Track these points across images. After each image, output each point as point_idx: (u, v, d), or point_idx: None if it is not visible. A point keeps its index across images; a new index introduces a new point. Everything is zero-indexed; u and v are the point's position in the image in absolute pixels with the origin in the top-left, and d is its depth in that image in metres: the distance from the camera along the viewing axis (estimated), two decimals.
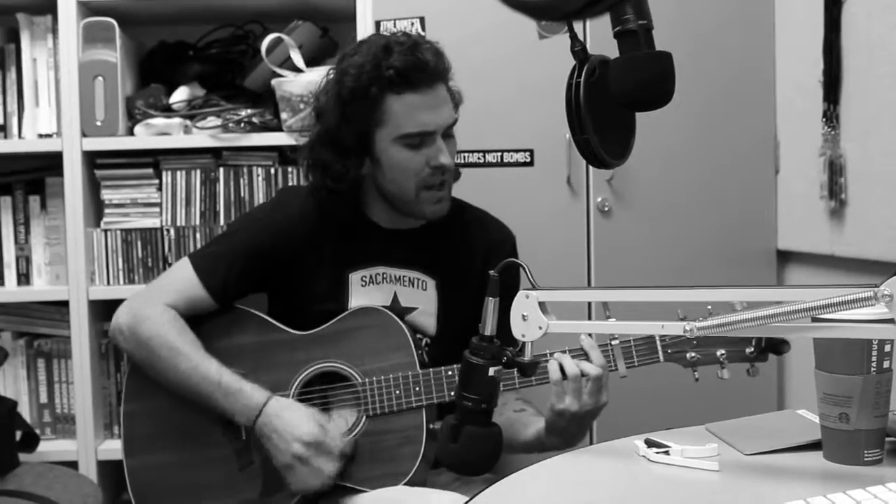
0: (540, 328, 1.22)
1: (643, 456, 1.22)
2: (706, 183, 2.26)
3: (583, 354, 1.62)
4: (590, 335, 1.65)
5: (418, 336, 1.82)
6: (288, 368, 1.76)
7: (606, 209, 2.21)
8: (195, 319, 1.78)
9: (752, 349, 1.52)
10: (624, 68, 1.17)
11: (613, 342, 1.62)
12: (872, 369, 1.14)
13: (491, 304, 1.27)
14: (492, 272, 1.27)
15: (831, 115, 1.99)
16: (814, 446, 1.21)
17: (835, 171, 1.98)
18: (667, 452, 1.20)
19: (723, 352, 1.54)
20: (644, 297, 1.23)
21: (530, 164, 2.21)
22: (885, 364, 1.15)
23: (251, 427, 1.69)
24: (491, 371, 1.26)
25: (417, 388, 1.70)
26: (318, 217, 1.82)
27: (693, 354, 1.56)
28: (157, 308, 1.76)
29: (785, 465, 1.18)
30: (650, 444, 1.24)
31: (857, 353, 1.14)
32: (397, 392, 1.71)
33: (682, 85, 2.17)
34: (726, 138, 2.26)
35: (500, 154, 2.21)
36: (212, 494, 1.76)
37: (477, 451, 1.26)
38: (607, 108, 1.23)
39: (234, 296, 1.82)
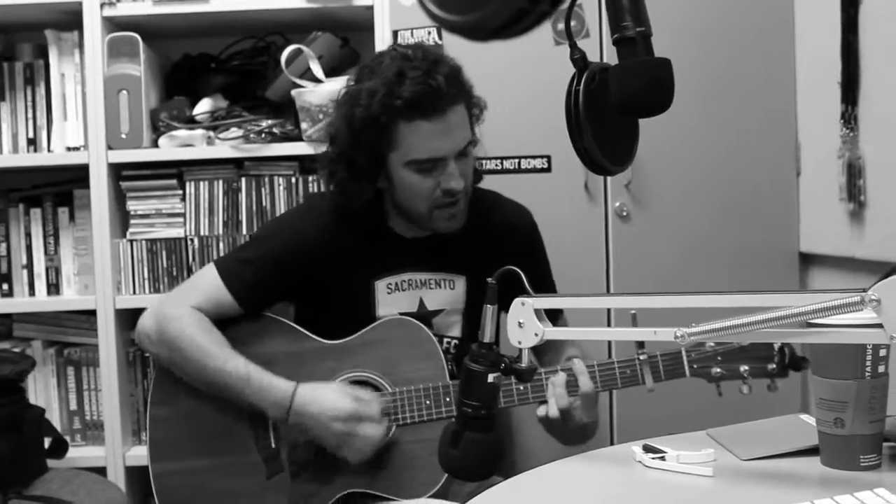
0: (536, 335, 1.23)
1: (639, 461, 1.22)
2: (727, 186, 2.24)
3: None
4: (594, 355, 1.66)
5: (446, 339, 1.84)
6: (318, 377, 1.77)
7: (625, 214, 2.20)
8: (225, 327, 1.80)
9: (775, 366, 1.55)
10: (623, 75, 1.17)
11: (641, 357, 1.63)
12: (867, 374, 1.13)
13: (489, 312, 1.28)
14: (489, 280, 1.28)
15: (849, 117, 1.96)
16: (813, 451, 1.20)
17: (853, 172, 1.96)
18: (663, 458, 1.20)
19: (746, 367, 1.56)
20: (638, 304, 1.24)
21: (548, 170, 2.21)
22: (881, 368, 1.14)
23: (285, 420, 1.71)
24: (490, 378, 1.27)
25: (448, 399, 1.72)
26: (344, 225, 1.83)
27: (718, 370, 1.58)
28: (184, 309, 1.78)
29: (781, 470, 1.17)
30: (648, 449, 1.24)
31: (850, 358, 1.13)
32: (427, 402, 1.73)
33: (701, 88, 2.21)
34: (747, 141, 2.24)
35: (517, 160, 2.22)
36: (239, 502, 1.78)
37: (477, 456, 1.28)
38: (608, 115, 1.24)
39: (259, 302, 1.83)
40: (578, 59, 1.27)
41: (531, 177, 2.21)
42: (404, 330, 1.77)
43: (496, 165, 2.22)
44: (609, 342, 2.13)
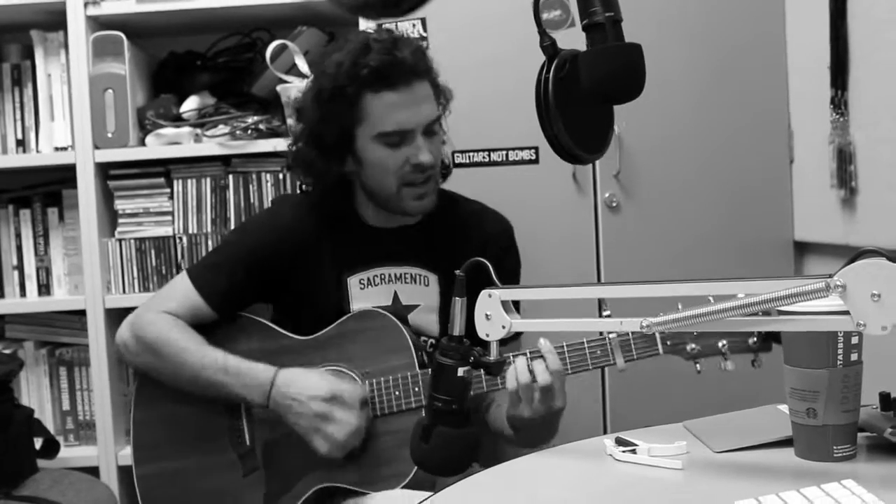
0: (503, 327, 1.21)
1: (610, 455, 1.20)
2: (719, 174, 2.21)
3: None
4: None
5: (423, 338, 1.82)
6: None
7: (614, 205, 2.18)
8: (199, 327, 1.80)
9: (755, 339, 1.49)
10: (592, 61, 1.16)
11: (611, 335, 1.60)
12: (839, 362, 1.10)
13: (458, 304, 1.26)
14: (458, 272, 1.27)
15: (839, 102, 1.93)
16: (789, 443, 1.18)
17: (844, 158, 1.92)
18: (633, 451, 1.18)
19: (724, 342, 1.51)
20: (604, 294, 1.22)
21: (535, 161, 2.18)
22: (853, 356, 1.11)
23: (266, 404, 1.70)
24: (460, 371, 1.26)
25: (416, 389, 1.70)
26: (313, 222, 1.83)
27: (693, 346, 1.53)
28: (156, 314, 1.79)
29: (752, 462, 1.14)
30: (620, 442, 1.22)
31: (821, 346, 1.10)
32: (396, 393, 1.71)
33: (691, 75, 2.18)
34: (738, 128, 2.21)
35: (504, 152, 2.20)
36: (218, 500, 1.79)
37: (448, 451, 1.26)
38: (581, 103, 1.22)
39: (233, 305, 1.84)
40: (548, 45, 1.25)
41: (519, 168, 2.19)
42: (373, 322, 1.76)
43: (483, 158, 2.20)
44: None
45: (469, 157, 2.20)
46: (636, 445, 1.19)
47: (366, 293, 1.82)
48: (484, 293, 1.22)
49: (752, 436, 1.20)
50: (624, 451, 1.19)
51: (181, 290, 1.81)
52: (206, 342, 1.76)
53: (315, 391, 1.67)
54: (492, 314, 1.21)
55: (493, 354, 1.24)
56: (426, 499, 1.15)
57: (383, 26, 2.17)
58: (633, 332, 1.59)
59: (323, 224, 1.82)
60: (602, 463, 1.19)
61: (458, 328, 1.26)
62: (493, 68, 2.18)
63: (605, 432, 2.17)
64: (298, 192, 1.89)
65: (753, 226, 2.22)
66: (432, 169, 1.77)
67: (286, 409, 1.69)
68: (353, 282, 1.82)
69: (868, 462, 1.13)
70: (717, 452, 1.19)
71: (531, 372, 1.55)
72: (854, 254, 0.97)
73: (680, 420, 1.35)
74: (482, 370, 1.25)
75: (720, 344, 1.51)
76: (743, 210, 2.22)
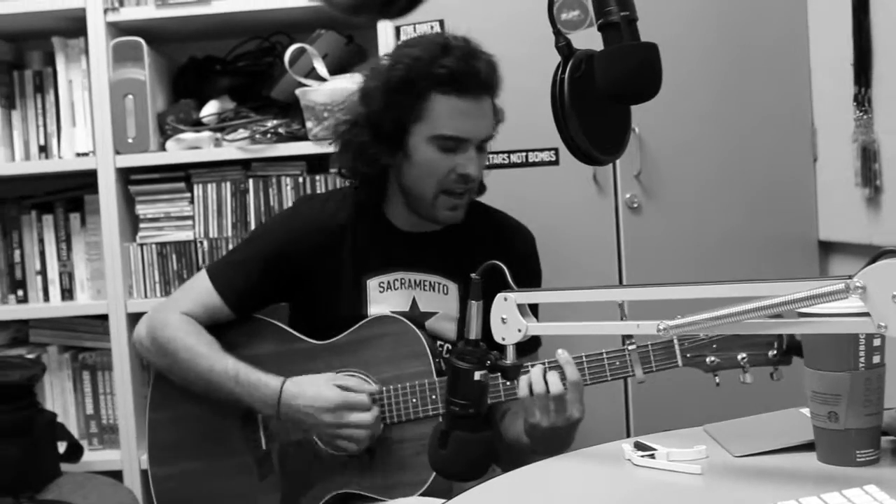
0: (519, 331, 1.20)
1: (628, 459, 1.19)
2: (741, 174, 2.18)
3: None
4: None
5: (438, 343, 1.81)
6: None
7: (635, 205, 2.16)
8: (216, 331, 1.81)
9: (775, 352, 1.48)
10: (608, 61, 1.15)
11: (630, 347, 1.59)
12: (861, 365, 1.08)
13: (474, 308, 1.25)
14: (473, 275, 1.26)
15: (863, 99, 1.90)
16: (811, 447, 1.16)
17: (868, 156, 1.90)
18: (652, 456, 1.17)
19: (744, 355, 1.50)
20: (623, 296, 1.20)
21: (555, 162, 2.17)
22: (875, 359, 1.09)
23: (276, 416, 1.70)
24: (477, 375, 1.25)
25: (434, 396, 1.69)
26: (335, 223, 1.82)
27: (713, 358, 1.52)
28: (174, 314, 1.80)
29: (773, 467, 1.13)
30: (639, 446, 1.20)
31: (843, 349, 1.09)
32: (414, 400, 1.71)
33: (713, 74, 2.15)
34: (761, 127, 2.18)
35: (524, 154, 2.19)
36: (233, 503, 1.78)
37: (466, 456, 1.25)
38: (597, 103, 1.21)
39: (251, 305, 1.83)
40: (563, 46, 1.25)
41: (539, 170, 2.18)
42: (391, 328, 1.75)
43: (503, 159, 2.19)
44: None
45: (488, 158, 2.17)
46: (655, 450, 1.17)
47: (385, 296, 1.81)
48: (500, 296, 1.21)
49: (773, 440, 1.19)
50: (642, 456, 1.17)
51: (199, 289, 1.82)
52: (219, 347, 1.76)
53: (322, 402, 1.67)
54: (508, 317, 1.20)
55: (510, 358, 1.23)
56: (443, 503, 1.14)
57: (400, 31, 2.18)
58: (652, 344, 1.58)
59: (345, 225, 1.82)
60: (620, 467, 1.17)
61: (474, 332, 1.25)
62: (512, 69, 2.15)
63: (627, 436, 2.15)
64: (324, 190, 1.88)
65: (777, 226, 2.19)
66: (473, 182, 1.77)
67: (298, 423, 1.70)
68: (372, 284, 1.81)
69: (893, 466, 1.10)
70: (737, 457, 1.17)
71: (545, 381, 1.55)
72: (874, 254, 0.95)
73: (704, 423, 1.33)
74: (498, 374, 1.24)
75: (740, 357, 1.50)
76: (766, 210, 2.19)
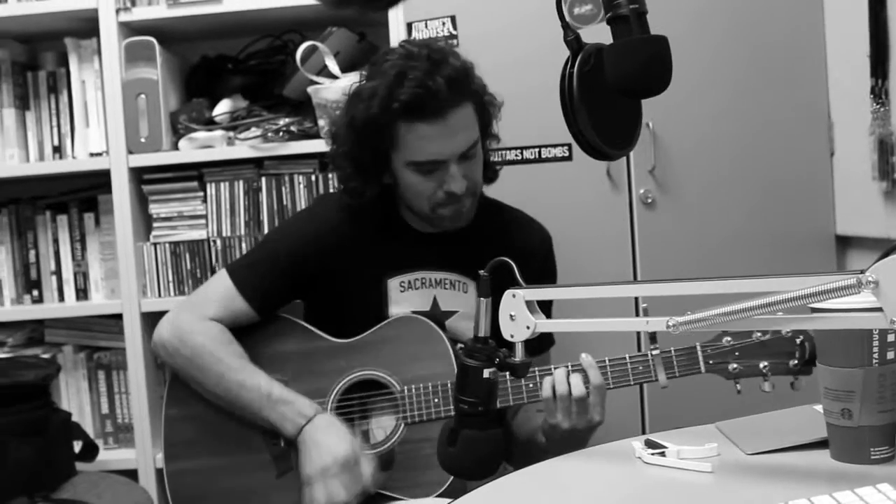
0: (528, 328, 1.19)
1: (639, 457, 1.17)
2: (757, 168, 2.16)
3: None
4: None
5: (459, 345, 1.80)
6: (328, 376, 1.77)
7: (650, 201, 2.14)
8: (238, 330, 1.80)
9: (796, 361, 1.49)
10: (617, 55, 1.14)
11: (654, 352, 1.58)
12: (875, 361, 1.06)
13: (483, 305, 1.24)
14: (482, 272, 1.25)
15: (880, 91, 1.88)
16: (824, 444, 1.14)
17: (885, 150, 1.87)
18: (663, 453, 1.15)
19: (765, 364, 1.51)
20: (633, 292, 1.19)
21: (569, 158, 2.15)
22: (890, 355, 1.07)
23: (295, 436, 1.69)
24: (486, 373, 1.24)
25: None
26: (355, 224, 1.82)
27: (735, 366, 1.53)
28: (202, 322, 1.78)
29: (785, 465, 1.11)
30: (650, 444, 1.19)
31: (856, 345, 1.07)
32: (436, 400, 1.70)
33: (727, 67, 2.13)
34: (777, 121, 2.15)
35: (537, 150, 2.17)
36: (250, 500, 1.78)
37: (475, 455, 1.24)
38: (607, 98, 1.19)
39: (274, 305, 1.83)
40: (572, 40, 1.23)
41: (552, 166, 2.16)
42: (414, 327, 1.75)
43: (516, 156, 2.17)
44: (638, 334, 2.08)
45: (501, 155, 2.17)
46: (665, 448, 1.16)
47: (406, 296, 1.81)
48: (508, 293, 1.20)
49: (786, 437, 1.17)
50: (652, 454, 1.16)
51: (222, 291, 1.81)
52: (247, 359, 1.75)
53: (337, 450, 1.65)
54: (516, 314, 1.19)
55: (519, 356, 1.21)
56: (451, 502, 1.13)
57: (412, 28, 2.16)
58: (675, 349, 1.58)
59: (365, 225, 1.82)
60: (631, 466, 1.16)
61: (483, 329, 1.24)
62: (524, 65, 2.15)
63: (643, 433, 2.14)
64: (337, 191, 1.88)
65: (794, 220, 2.17)
66: (465, 194, 1.75)
67: (306, 447, 1.68)
68: (393, 284, 1.81)
69: None
70: (749, 454, 1.15)
71: (569, 384, 1.54)
72: (888, 247, 0.93)
73: (721, 420, 1.32)
74: (507, 372, 1.23)
75: (761, 365, 1.51)
76: (783, 205, 2.16)
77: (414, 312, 1.79)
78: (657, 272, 2.13)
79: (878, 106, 1.88)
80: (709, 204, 2.16)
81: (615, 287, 1.17)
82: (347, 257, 1.80)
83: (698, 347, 1.55)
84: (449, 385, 1.68)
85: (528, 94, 2.15)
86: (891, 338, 1.07)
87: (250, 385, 1.72)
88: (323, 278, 1.81)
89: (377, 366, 1.75)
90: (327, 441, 1.66)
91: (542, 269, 1.88)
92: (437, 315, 1.80)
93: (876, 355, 1.06)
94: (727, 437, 1.22)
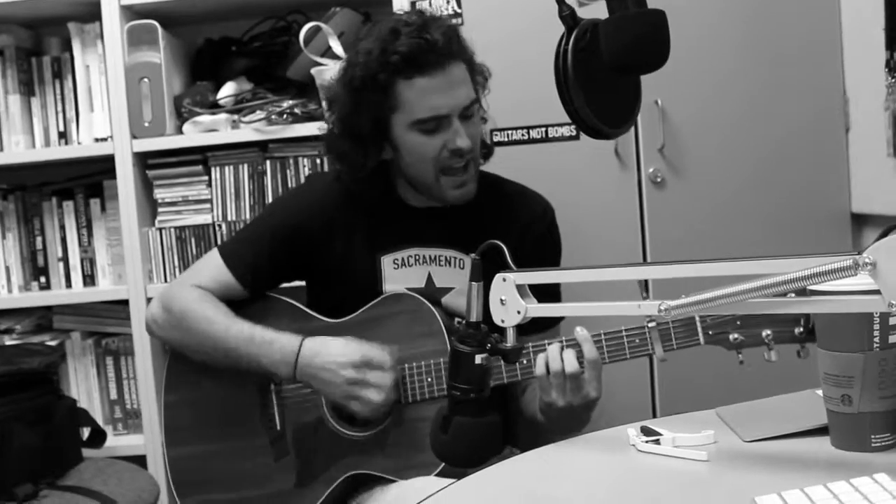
0: (518, 312, 1.15)
1: (633, 445, 1.14)
2: (770, 146, 2.10)
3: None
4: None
5: (457, 321, 1.77)
6: None
7: (659, 180, 2.09)
8: (231, 307, 1.78)
9: (801, 329, 1.40)
10: (612, 30, 1.11)
11: (650, 325, 1.53)
12: (875, 345, 1.02)
13: (474, 289, 1.22)
14: (473, 255, 1.22)
15: (895, 65, 1.82)
16: (825, 431, 1.10)
17: None
18: (657, 441, 1.12)
19: (768, 332, 1.43)
20: (626, 275, 1.15)
21: (576, 137, 2.11)
22: (892, 339, 1.02)
23: (293, 376, 1.68)
24: (478, 359, 1.21)
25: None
26: (346, 200, 1.79)
27: (736, 336, 1.45)
28: (185, 288, 1.79)
29: (783, 452, 1.07)
30: (645, 431, 1.16)
31: (856, 328, 1.02)
32: (429, 379, 1.67)
33: (738, 41, 2.07)
34: (789, 96, 2.10)
35: (544, 129, 2.13)
36: (248, 484, 1.77)
37: (468, 442, 1.22)
38: (604, 75, 1.16)
39: (263, 281, 1.82)
40: (567, 16, 1.21)
41: (559, 145, 2.12)
42: (406, 305, 1.72)
43: (522, 135, 2.14)
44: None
45: (507, 135, 2.14)
46: (660, 435, 1.12)
47: (400, 273, 1.78)
48: (498, 277, 1.17)
49: (786, 424, 1.13)
50: (647, 441, 1.12)
51: (211, 266, 1.80)
52: (233, 314, 1.74)
53: (344, 360, 1.64)
54: (507, 299, 1.16)
55: (510, 341, 1.18)
56: (444, 487, 1.11)
57: (415, 7, 2.13)
58: (672, 322, 1.52)
59: (358, 202, 1.79)
60: (624, 453, 1.13)
61: (474, 314, 1.21)
62: (529, 43, 2.11)
63: (654, 416, 2.10)
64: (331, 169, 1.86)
65: (808, 198, 2.12)
66: (471, 153, 1.71)
67: (315, 380, 1.66)
68: (386, 261, 1.78)
69: None
70: (747, 442, 1.11)
71: (562, 360, 1.50)
72: (886, 227, 0.89)
73: (732, 403, 1.28)
74: (500, 357, 1.20)
75: (764, 334, 1.42)
76: (796, 182, 2.11)
77: (408, 290, 1.76)
78: (667, 252, 2.09)
79: (893, 80, 1.82)
80: (720, 182, 2.11)
81: (607, 270, 1.13)
82: (340, 234, 1.78)
83: (697, 318, 1.48)
84: (442, 363, 1.65)
85: (534, 72, 2.09)
86: (892, 321, 1.02)
87: (234, 332, 1.71)
88: (314, 255, 1.79)
89: None
90: (328, 360, 1.65)
91: (544, 239, 1.84)
92: (433, 292, 1.77)
93: (877, 339, 1.02)
94: (726, 424, 1.19)
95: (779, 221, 2.10)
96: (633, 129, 2.09)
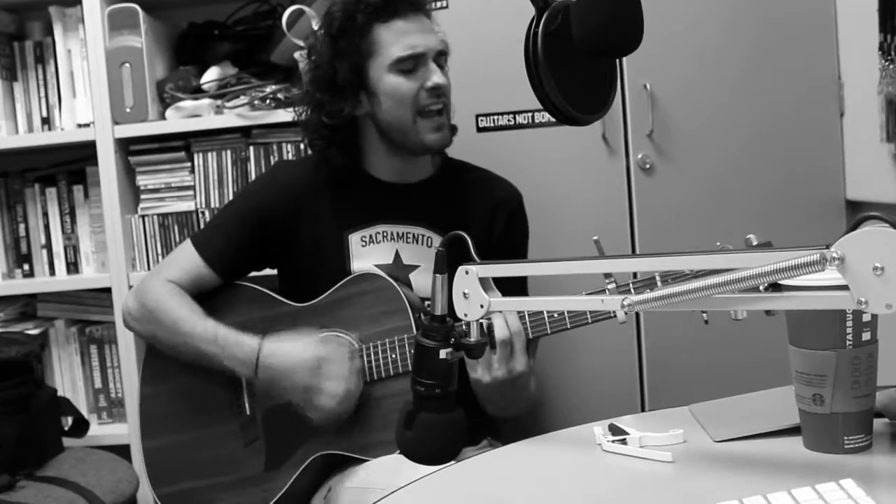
0: (482, 306, 1.12)
1: (598, 444, 1.10)
2: (763, 131, 2.05)
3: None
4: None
5: (427, 302, 1.75)
6: None
7: (648, 166, 2.04)
8: (199, 296, 1.79)
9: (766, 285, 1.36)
10: (584, 12, 1.07)
11: (609, 286, 1.49)
12: (848, 343, 0.98)
13: (439, 281, 1.18)
14: (438, 248, 1.18)
15: (888, 48, 1.76)
16: (799, 430, 1.06)
17: (894, 109, 1.76)
18: (623, 441, 1.08)
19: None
20: (588, 269, 1.12)
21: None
22: (865, 336, 0.98)
23: (255, 378, 1.68)
24: (442, 354, 1.17)
25: (413, 351, 1.63)
26: (313, 180, 1.81)
27: None
28: (158, 282, 1.79)
29: (752, 454, 1.03)
30: (613, 430, 1.12)
31: (828, 325, 0.98)
32: (393, 356, 1.67)
33: (730, 24, 2.02)
34: (782, 80, 2.04)
35: (530, 115, 2.08)
36: (220, 470, 1.77)
37: (432, 439, 1.18)
38: (578, 59, 1.12)
39: (235, 267, 1.82)
40: None
41: (545, 131, 2.07)
42: (371, 285, 1.72)
43: (509, 121, 2.09)
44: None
45: (493, 120, 2.09)
46: (627, 434, 1.09)
47: (367, 250, 1.79)
48: (461, 269, 1.13)
49: (758, 423, 1.09)
50: (613, 441, 1.09)
51: (184, 255, 1.81)
52: (202, 312, 1.74)
53: (299, 362, 1.64)
54: (469, 292, 1.12)
55: (474, 335, 1.15)
56: (414, 481, 1.08)
57: None
58: (633, 281, 1.50)
59: (324, 181, 1.80)
60: (590, 453, 1.09)
61: (439, 307, 1.17)
62: (515, 27, 2.02)
63: (642, 410, 2.06)
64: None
65: (802, 185, 2.06)
66: (446, 96, 1.75)
67: (274, 383, 1.68)
68: (354, 239, 1.78)
69: (885, 454, 1.00)
70: (716, 442, 1.08)
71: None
72: (855, 220, 0.85)
73: (722, 397, 1.25)
74: (463, 353, 1.17)
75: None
76: (790, 169, 2.06)
77: (376, 266, 1.76)
78: (656, 240, 2.04)
79: (886, 63, 1.77)
80: (710, 169, 2.05)
81: (572, 263, 1.10)
82: (307, 217, 1.79)
83: (657, 277, 1.45)
84: (406, 340, 1.65)
85: (519, 57, 2.05)
86: (867, 317, 0.98)
87: (200, 331, 1.72)
88: (284, 238, 1.80)
89: (336, 326, 1.72)
90: (285, 362, 1.65)
91: (517, 216, 1.86)
92: (400, 270, 1.77)
93: (850, 336, 0.98)
94: (698, 422, 1.15)
95: (771, 209, 2.05)
96: (621, 114, 2.04)
